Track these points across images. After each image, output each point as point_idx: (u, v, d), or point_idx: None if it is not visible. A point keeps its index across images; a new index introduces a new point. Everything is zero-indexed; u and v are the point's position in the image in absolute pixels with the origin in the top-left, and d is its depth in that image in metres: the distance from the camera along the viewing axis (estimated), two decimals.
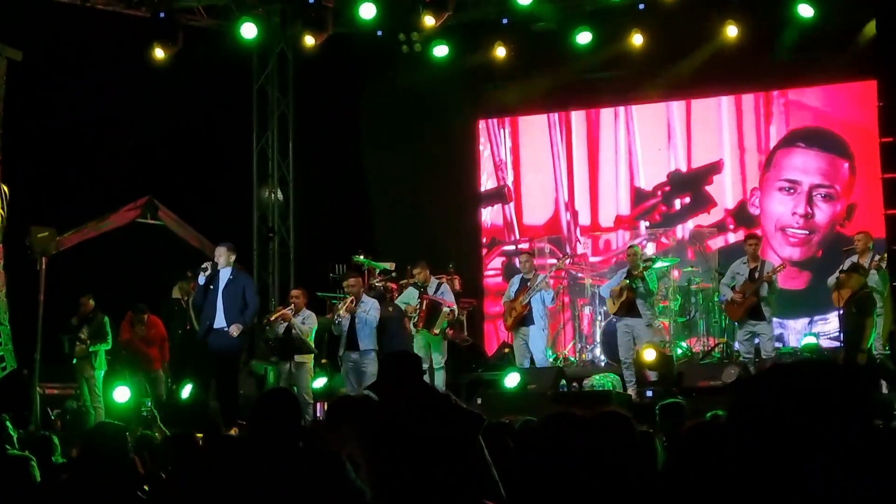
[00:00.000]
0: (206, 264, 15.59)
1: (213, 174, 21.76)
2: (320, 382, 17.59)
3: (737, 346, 17.65)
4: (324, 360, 18.83)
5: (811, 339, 19.11)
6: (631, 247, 18.10)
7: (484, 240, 23.27)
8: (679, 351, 18.65)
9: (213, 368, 15.89)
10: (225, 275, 15.56)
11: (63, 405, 18.22)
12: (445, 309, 17.39)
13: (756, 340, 16.71)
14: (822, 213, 21.04)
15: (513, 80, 22.15)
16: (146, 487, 8.13)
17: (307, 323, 17.02)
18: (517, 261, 18.90)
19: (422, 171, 22.83)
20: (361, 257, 20.25)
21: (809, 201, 21.04)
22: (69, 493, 7.49)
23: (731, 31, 19.64)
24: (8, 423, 10.05)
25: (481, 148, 23.60)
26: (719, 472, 5.71)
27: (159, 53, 20.44)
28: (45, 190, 19.42)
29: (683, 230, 21.79)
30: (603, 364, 19.17)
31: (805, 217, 21.08)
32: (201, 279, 15.54)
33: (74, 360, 17.88)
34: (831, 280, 16.65)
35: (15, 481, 8.88)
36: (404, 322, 17.72)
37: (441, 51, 21.26)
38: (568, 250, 21.97)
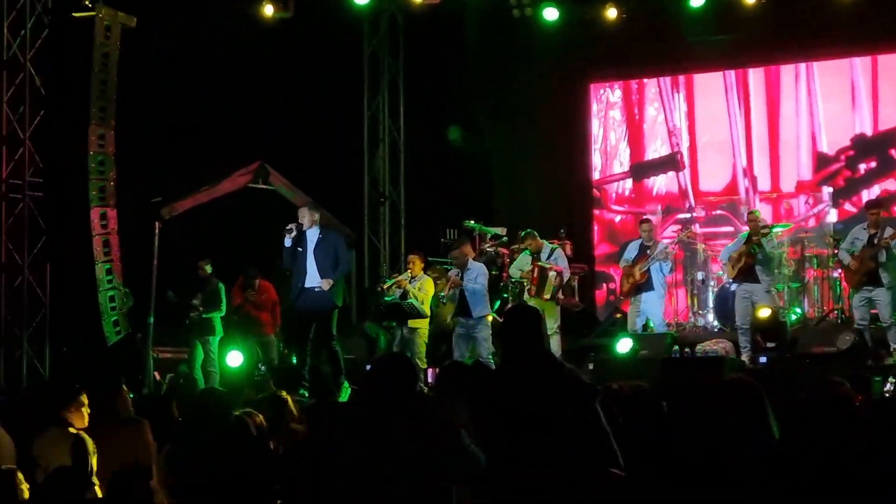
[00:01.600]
0: (291, 225, 15.38)
1: (324, 139, 21.78)
2: None
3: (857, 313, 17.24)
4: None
5: None
6: (751, 212, 17.83)
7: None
8: (793, 317, 18.37)
9: (309, 330, 15.73)
10: (313, 234, 15.41)
11: (176, 369, 18.37)
12: (552, 273, 17.28)
13: (872, 307, 16.33)
14: None
15: (623, 41, 21.84)
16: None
17: (423, 289, 16.96)
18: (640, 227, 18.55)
19: (533, 135, 22.68)
20: (472, 222, 20.17)
21: None
22: (175, 457, 7.54)
23: None
24: (123, 387, 10.16)
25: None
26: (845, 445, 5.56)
27: (268, 10, 20.54)
28: (157, 155, 19.55)
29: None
30: (716, 329, 18.95)
31: None
32: (287, 241, 15.31)
33: (188, 322, 17.92)
34: None
35: (130, 443, 8.97)
36: None
37: (551, 14, 21.08)
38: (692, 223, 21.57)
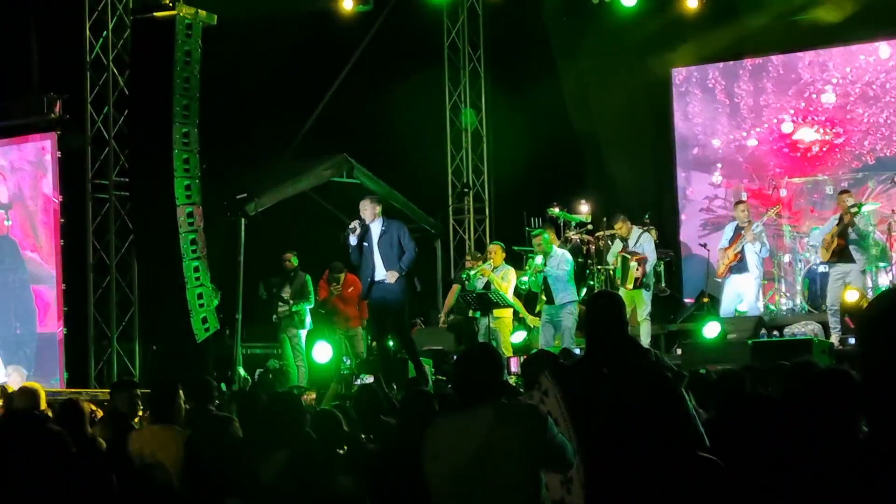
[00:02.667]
0: (354, 223, 15.41)
1: (407, 131, 21.79)
2: (519, 337, 17.53)
3: None
4: (522, 315, 18.76)
5: None
6: (841, 192, 17.60)
7: (686, 190, 22.67)
8: None
9: (384, 321, 15.77)
10: (376, 227, 15.42)
11: (265, 365, 18.45)
12: (633, 264, 17.19)
13: None
14: None
15: (704, 24, 21.63)
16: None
17: (505, 278, 16.93)
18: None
19: (617, 122, 22.53)
20: (556, 210, 20.08)
21: None
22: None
23: None
24: (212, 384, 10.19)
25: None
26: None
27: (348, 4, 20.61)
28: (241, 151, 19.64)
29: None
30: (804, 311, 18.74)
31: None
32: (352, 240, 15.34)
33: (274, 318, 17.99)
34: None
35: (218, 440, 8.98)
36: None
37: (629, 0, 20.93)
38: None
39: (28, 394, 9.63)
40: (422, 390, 8.91)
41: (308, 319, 17.95)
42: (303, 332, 17.85)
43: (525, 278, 17.18)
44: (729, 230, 17.75)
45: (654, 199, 21.95)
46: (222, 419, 9.57)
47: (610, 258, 17.93)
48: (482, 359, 6.01)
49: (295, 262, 17.99)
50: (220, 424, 9.42)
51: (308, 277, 17.98)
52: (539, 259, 16.81)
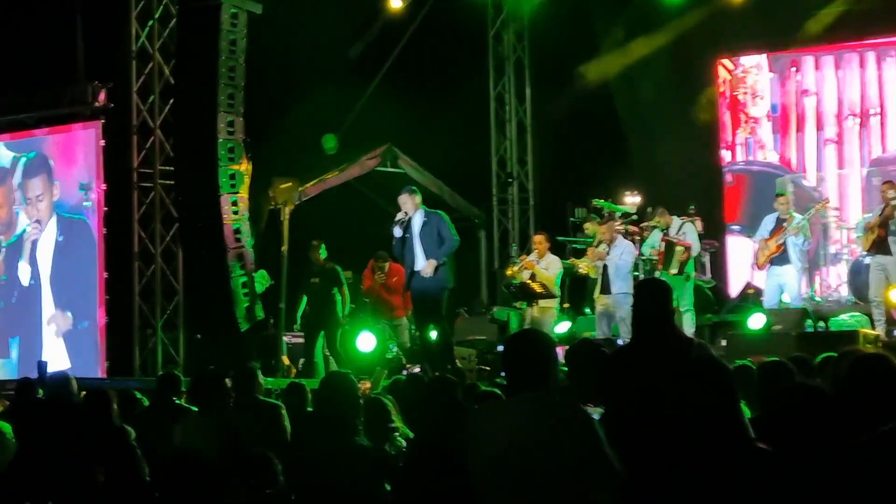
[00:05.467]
0: (400, 215, 15.39)
1: (451, 121, 21.76)
2: (563, 327, 17.49)
3: None
4: (566, 305, 18.72)
5: None
6: (885, 183, 17.45)
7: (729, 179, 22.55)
8: None
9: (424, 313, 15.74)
10: (418, 219, 15.37)
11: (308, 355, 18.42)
12: (679, 248, 17.10)
13: None
14: None
15: (750, 15, 21.49)
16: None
17: (550, 268, 16.90)
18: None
19: (662, 112, 22.43)
20: (602, 201, 20.00)
21: None
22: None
23: None
24: (259, 372, 10.22)
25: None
26: None
27: (395, 3, 20.59)
28: (286, 140, 19.63)
29: None
30: (849, 303, 18.60)
31: None
32: (397, 231, 15.31)
33: (301, 309, 17.78)
34: None
35: (267, 429, 9.01)
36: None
37: None
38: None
39: (59, 381, 9.67)
40: (445, 378, 8.86)
41: (339, 308, 17.82)
42: (334, 322, 17.70)
43: (582, 265, 17.12)
44: (769, 221, 17.62)
45: (700, 189, 21.82)
46: (270, 407, 9.60)
47: (645, 250, 17.81)
48: (521, 347, 5.92)
49: (324, 253, 17.71)
50: (267, 412, 9.47)
51: (338, 267, 17.79)
52: (602, 247, 16.79)
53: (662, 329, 6.90)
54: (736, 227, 21.96)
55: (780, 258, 17.20)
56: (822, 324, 17.24)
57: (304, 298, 17.40)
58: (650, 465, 5.76)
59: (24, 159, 19.55)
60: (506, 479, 5.62)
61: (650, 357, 6.67)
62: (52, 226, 19.09)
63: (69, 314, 18.94)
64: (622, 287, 16.45)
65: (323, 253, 17.40)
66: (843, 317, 17.45)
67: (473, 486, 5.78)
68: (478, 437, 5.82)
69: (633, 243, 17.98)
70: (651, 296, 7.09)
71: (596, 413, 6.54)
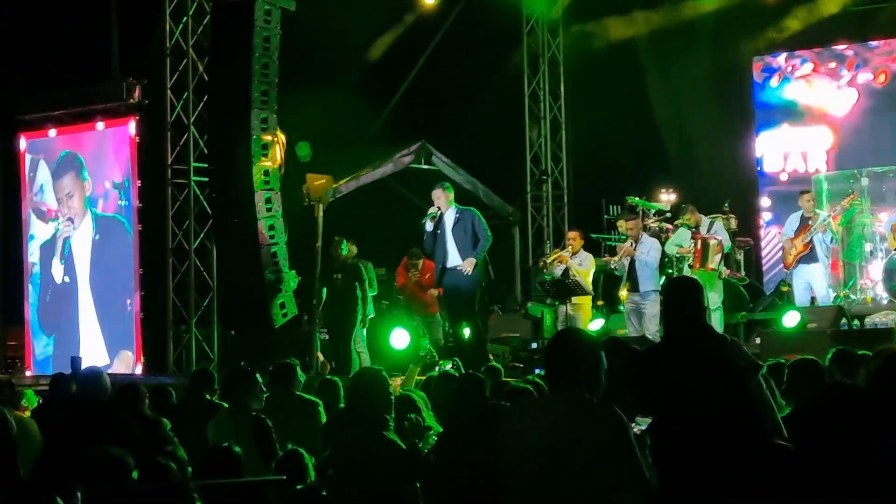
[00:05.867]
0: (432, 210, 15.40)
1: (485, 118, 21.73)
2: (597, 324, 17.42)
3: None
4: (600, 302, 18.66)
5: None
6: None
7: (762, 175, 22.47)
8: None
9: (457, 310, 15.73)
10: (450, 215, 15.39)
11: None
12: (712, 242, 17.02)
13: None
14: None
15: (786, 12, 21.40)
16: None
17: (584, 265, 16.87)
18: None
19: (697, 110, 22.36)
20: (636, 198, 19.92)
21: None
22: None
23: None
24: (298, 369, 10.25)
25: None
26: None
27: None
28: (320, 137, 19.62)
29: None
30: (885, 302, 18.49)
31: None
32: (429, 226, 15.33)
33: (316, 305, 17.62)
34: None
35: (304, 425, 9.02)
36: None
37: None
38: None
39: (90, 377, 9.69)
40: (473, 375, 8.84)
41: (371, 306, 17.78)
42: (358, 318, 17.63)
43: (613, 260, 17.07)
44: (793, 220, 17.59)
45: (737, 186, 21.75)
46: (307, 402, 9.63)
47: (670, 249, 17.67)
48: (562, 346, 5.90)
49: (344, 247, 17.58)
50: (305, 408, 9.49)
51: (370, 265, 17.74)
52: (629, 243, 16.73)
53: (693, 327, 6.87)
54: None
55: (808, 257, 17.19)
56: (856, 322, 17.16)
57: (324, 293, 17.33)
58: (677, 462, 5.73)
59: (58, 157, 19.59)
60: (535, 475, 5.59)
61: (680, 355, 6.63)
62: (86, 225, 19.11)
63: (106, 311, 18.97)
64: (649, 285, 16.40)
65: (344, 249, 17.32)
66: (879, 315, 17.35)
67: (502, 482, 5.75)
68: (509, 434, 5.79)
69: (665, 241, 17.92)
70: (681, 294, 7.07)
71: (644, 423, 6.49)
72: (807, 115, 22.72)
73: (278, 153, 16.60)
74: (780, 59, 22.87)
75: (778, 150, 22.87)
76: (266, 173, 16.47)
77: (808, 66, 22.68)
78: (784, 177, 22.83)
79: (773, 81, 22.91)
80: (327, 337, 17.73)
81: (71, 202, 19.28)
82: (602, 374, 5.71)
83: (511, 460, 5.72)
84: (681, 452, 5.78)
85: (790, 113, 22.84)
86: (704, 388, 5.86)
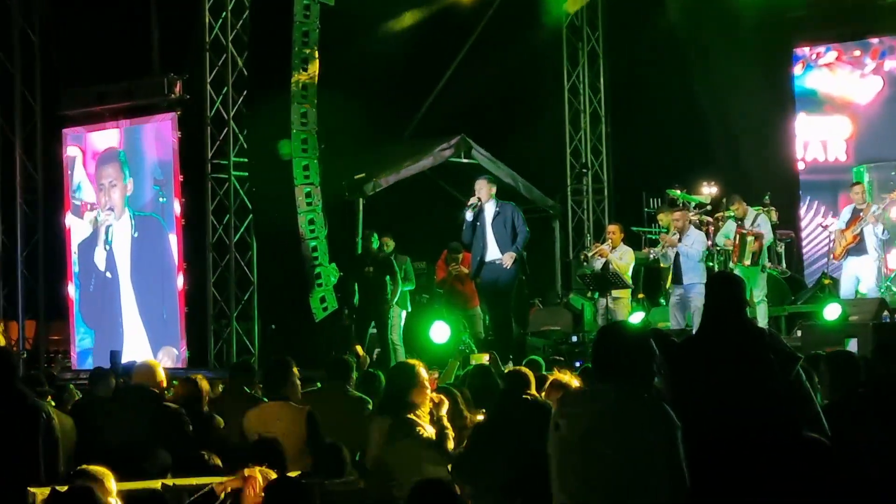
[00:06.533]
0: (473, 200, 15.39)
1: (525, 112, 21.70)
2: (637, 317, 17.37)
3: None
4: (640, 295, 18.62)
5: None
6: None
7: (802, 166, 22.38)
8: None
9: (495, 303, 15.73)
10: (490, 208, 15.40)
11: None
12: (750, 238, 16.95)
13: None
14: None
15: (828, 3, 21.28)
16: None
17: (624, 258, 16.85)
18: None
19: (737, 102, 22.24)
20: (677, 191, 19.85)
21: None
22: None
23: None
24: (354, 365, 10.37)
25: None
26: None
27: None
28: (360, 131, 19.63)
29: None
30: None
31: None
32: (469, 216, 15.33)
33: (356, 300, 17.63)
34: None
35: (354, 420, 9.08)
36: None
37: None
38: None
39: (145, 371, 9.73)
40: (519, 370, 8.86)
41: (407, 300, 17.79)
42: (403, 314, 17.67)
43: (654, 250, 17.04)
44: (846, 212, 17.51)
45: (778, 179, 21.63)
46: (357, 399, 9.67)
47: (719, 240, 17.64)
48: (611, 338, 6.00)
49: (376, 243, 17.55)
50: (354, 404, 9.52)
51: (392, 258, 17.67)
52: (674, 234, 16.68)
53: (733, 322, 6.83)
54: None
55: (857, 248, 17.08)
56: None
57: (356, 287, 17.35)
58: (709, 459, 5.72)
59: (99, 152, 19.65)
60: (581, 463, 5.64)
61: (716, 349, 6.61)
62: (125, 221, 19.15)
63: (147, 307, 19.02)
64: (693, 277, 16.32)
65: (375, 243, 17.34)
66: None
67: (549, 470, 5.76)
68: (559, 421, 5.81)
69: (707, 234, 17.86)
70: (722, 289, 7.04)
71: None
72: (826, 103, 22.61)
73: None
74: (805, 49, 22.75)
75: (798, 140, 22.69)
76: (306, 168, 16.52)
77: (832, 55, 22.55)
78: (801, 165, 22.68)
79: (797, 69, 22.77)
80: (375, 331, 17.74)
81: (113, 192, 19.27)
82: (653, 364, 5.76)
83: (559, 446, 5.77)
84: (712, 449, 5.79)
85: (808, 102, 22.71)
86: (739, 382, 5.85)
